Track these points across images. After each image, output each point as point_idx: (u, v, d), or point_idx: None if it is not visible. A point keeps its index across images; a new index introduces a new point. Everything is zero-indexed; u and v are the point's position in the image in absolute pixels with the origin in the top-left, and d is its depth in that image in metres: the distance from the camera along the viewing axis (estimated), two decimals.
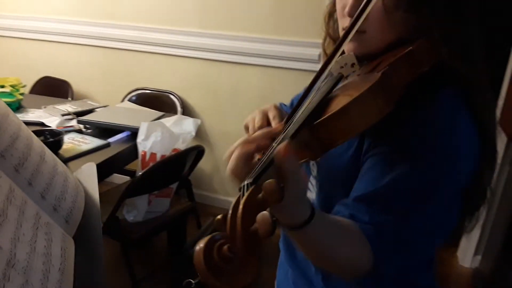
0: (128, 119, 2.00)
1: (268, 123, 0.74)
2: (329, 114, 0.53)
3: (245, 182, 0.44)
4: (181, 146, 1.93)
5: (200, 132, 2.66)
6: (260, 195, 0.41)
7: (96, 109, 2.16)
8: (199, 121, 2.06)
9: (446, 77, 0.64)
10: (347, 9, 0.67)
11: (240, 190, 0.44)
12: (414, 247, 0.65)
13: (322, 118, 0.54)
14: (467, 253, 2.33)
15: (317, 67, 2.56)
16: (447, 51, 0.61)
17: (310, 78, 2.54)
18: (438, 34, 0.61)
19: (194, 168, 2.10)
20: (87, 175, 0.81)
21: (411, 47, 0.59)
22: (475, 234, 2.27)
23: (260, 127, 0.73)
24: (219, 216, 0.43)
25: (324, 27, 0.83)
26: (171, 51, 2.66)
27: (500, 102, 1.96)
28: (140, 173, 1.76)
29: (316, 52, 2.29)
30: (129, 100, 2.71)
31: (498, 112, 1.93)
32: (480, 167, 0.66)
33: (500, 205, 2.05)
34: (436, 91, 0.64)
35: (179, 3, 2.54)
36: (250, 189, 0.42)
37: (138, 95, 2.77)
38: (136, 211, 1.90)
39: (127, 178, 2.49)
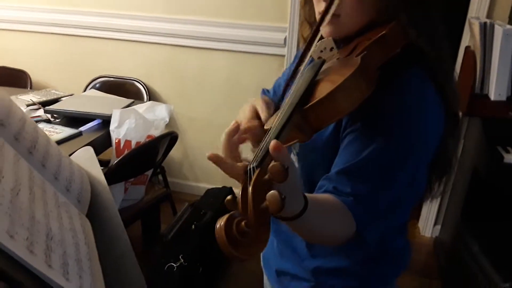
0: (98, 107, 1.97)
1: (258, 116, 0.79)
2: (318, 99, 0.58)
3: (250, 166, 0.49)
4: (155, 132, 1.93)
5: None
6: (266, 176, 0.45)
7: (61, 98, 2.10)
8: (172, 107, 2.06)
9: (412, 56, 0.70)
10: None
11: (246, 174, 0.49)
12: (391, 213, 0.72)
13: (312, 103, 0.59)
14: (428, 224, 2.51)
15: (283, 51, 2.62)
16: (415, 32, 0.68)
17: (276, 62, 2.63)
18: (406, 17, 0.67)
19: (168, 155, 2.11)
20: (86, 158, 0.82)
21: (384, 31, 0.65)
22: (434, 205, 2.44)
23: (250, 121, 0.78)
24: (229, 197, 0.48)
25: (301, 12, 0.87)
26: (135, 37, 2.62)
27: None
28: (115, 161, 1.75)
29: (281, 36, 2.34)
30: (93, 88, 2.65)
31: None
32: (445, 136, 0.74)
33: (456, 177, 2.21)
34: (405, 70, 0.70)
35: None
36: (257, 171, 0.46)
37: (102, 83, 2.71)
38: None
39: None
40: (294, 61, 1.05)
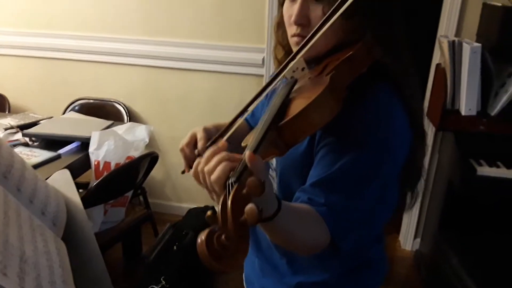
0: (76, 129, 1.97)
1: (195, 142, 0.87)
2: (291, 116, 0.62)
3: (229, 181, 0.51)
4: (135, 153, 1.93)
5: (149, 139, 2.65)
6: (244, 191, 0.48)
7: (40, 121, 2.09)
8: (151, 127, 2.07)
9: (379, 73, 0.74)
10: (293, 18, 0.77)
11: (225, 188, 0.51)
12: (365, 223, 0.75)
13: (285, 120, 0.62)
14: (408, 237, 2.54)
15: (262, 71, 2.66)
16: (381, 50, 0.72)
17: (255, 81, 2.67)
18: (372, 37, 0.72)
19: (148, 175, 2.10)
20: (62, 181, 0.83)
21: (351, 52, 0.70)
22: (414, 219, 2.48)
23: (187, 144, 0.88)
24: (208, 212, 0.50)
25: (274, 36, 0.92)
26: (114, 59, 2.63)
27: (427, 97, 2.18)
28: (94, 183, 1.74)
29: (259, 56, 2.39)
30: (72, 110, 2.64)
31: (426, 106, 2.15)
32: (412, 148, 0.78)
33: (433, 190, 2.26)
34: (372, 86, 0.74)
35: (119, 10, 2.52)
36: (235, 186, 0.49)
37: (81, 105, 2.70)
38: (91, 222, 1.86)
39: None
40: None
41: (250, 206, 0.45)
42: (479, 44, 1.77)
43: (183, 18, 2.45)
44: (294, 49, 0.77)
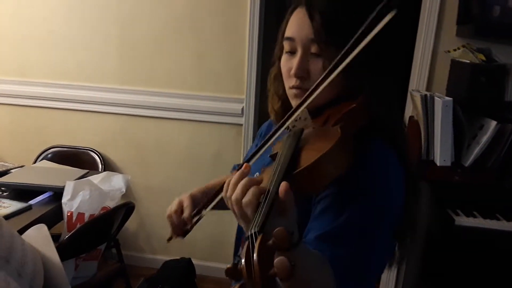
0: (49, 179, 1.90)
1: (181, 210, 0.92)
2: (306, 165, 0.61)
3: (252, 231, 0.48)
4: (111, 204, 1.86)
5: None
6: (270, 241, 0.44)
7: (11, 170, 2.01)
8: (129, 177, 2.02)
9: (375, 126, 0.77)
10: (293, 71, 0.79)
11: (247, 239, 0.48)
12: (368, 273, 0.75)
13: (301, 168, 0.62)
14: (388, 287, 2.51)
15: (241, 120, 2.70)
16: (377, 105, 0.74)
17: (234, 130, 2.70)
18: (369, 91, 0.74)
19: (123, 226, 2.02)
20: (39, 237, 0.78)
21: (354, 105, 0.72)
22: (394, 269, 2.46)
23: (175, 212, 0.91)
24: (229, 265, 0.46)
25: (270, 87, 0.94)
26: (89, 107, 2.60)
27: None
28: (66, 236, 1.66)
29: (239, 106, 2.41)
30: (44, 159, 2.55)
31: None
32: (406, 199, 0.79)
33: (412, 240, 2.26)
34: (369, 139, 0.76)
35: (96, 58, 2.54)
36: (259, 237, 0.45)
37: (54, 154, 2.62)
38: None
39: None
40: (259, 136, 1.11)
41: (281, 260, 0.42)
42: (451, 98, 1.85)
43: (162, 68, 2.48)
44: (292, 101, 0.79)
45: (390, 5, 0.62)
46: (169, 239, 0.99)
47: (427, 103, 1.93)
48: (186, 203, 0.91)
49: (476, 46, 2.01)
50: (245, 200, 0.58)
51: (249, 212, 0.57)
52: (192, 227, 0.95)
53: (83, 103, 2.59)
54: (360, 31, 0.66)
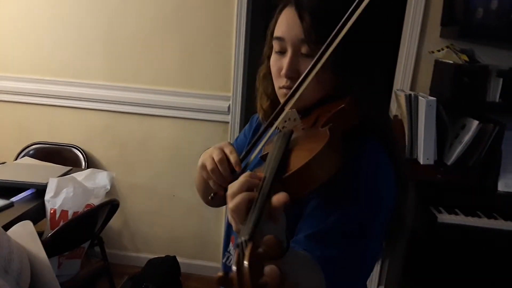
0: (31, 176, 1.86)
1: (226, 157, 0.80)
2: (296, 168, 0.61)
3: (241, 239, 0.47)
4: (95, 201, 1.84)
5: None
6: (260, 249, 0.44)
7: None
8: (113, 174, 2.00)
9: (366, 126, 0.77)
10: (284, 71, 0.79)
11: (236, 247, 0.47)
12: (359, 273, 0.75)
13: (291, 172, 0.61)
14: (371, 284, 2.54)
15: (227, 118, 2.68)
16: (367, 105, 0.75)
17: (221, 128, 2.68)
18: (358, 91, 0.75)
19: (107, 224, 2.00)
20: (25, 234, 0.77)
21: (343, 105, 0.72)
22: (377, 266, 2.49)
23: (220, 161, 0.79)
24: (220, 273, 0.45)
25: (259, 86, 0.93)
26: (72, 103, 2.56)
27: None
28: (49, 234, 1.63)
29: (225, 104, 2.41)
30: (26, 155, 2.50)
31: None
32: (397, 199, 0.80)
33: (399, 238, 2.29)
34: (361, 139, 0.77)
35: (81, 54, 2.50)
36: (249, 245, 0.45)
37: (36, 150, 2.58)
38: None
39: None
40: (246, 132, 1.09)
41: (271, 268, 0.42)
42: (434, 98, 1.89)
43: (148, 65, 2.46)
44: (282, 100, 0.79)
45: None
46: (213, 196, 0.86)
47: (411, 103, 1.96)
48: (229, 149, 0.81)
49: (460, 47, 2.05)
50: (234, 203, 0.56)
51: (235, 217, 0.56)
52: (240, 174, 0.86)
53: (67, 99, 2.55)
54: (342, 20, 0.67)
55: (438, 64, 2.11)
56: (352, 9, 0.66)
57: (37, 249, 0.71)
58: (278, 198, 0.53)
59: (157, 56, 2.43)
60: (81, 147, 2.59)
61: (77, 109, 2.57)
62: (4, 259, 0.61)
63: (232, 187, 0.60)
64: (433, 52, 2.10)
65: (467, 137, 1.91)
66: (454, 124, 2.00)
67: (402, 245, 2.11)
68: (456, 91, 1.93)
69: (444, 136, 1.97)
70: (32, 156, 2.48)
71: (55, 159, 2.36)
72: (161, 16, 2.38)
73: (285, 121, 0.75)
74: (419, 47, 2.17)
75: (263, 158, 0.79)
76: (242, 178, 0.60)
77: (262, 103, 0.94)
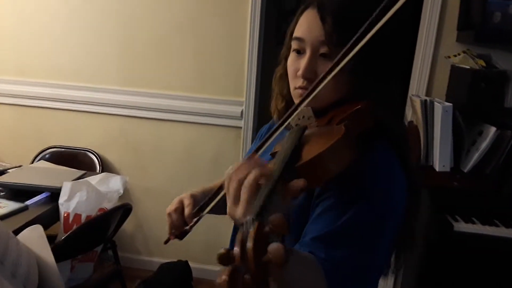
0: (46, 179, 1.88)
1: (182, 208, 0.91)
2: (309, 158, 0.61)
3: (248, 218, 0.46)
4: (108, 205, 1.85)
5: None
6: (267, 228, 0.44)
7: (8, 170, 2.00)
8: (127, 178, 2.01)
9: (380, 131, 0.76)
10: (301, 71, 0.79)
11: (242, 226, 0.47)
12: (364, 277, 0.73)
13: (303, 161, 0.61)
14: None
15: (240, 123, 2.68)
16: (382, 109, 0.74)
17: (233, 133, 2.68)
18: (374, 95, 0.73)
19: (120, 228, 2.01)
20: (34, 238, 0.77)
21: (359, 106, 0.71)
22: (391, 276, 2.45)
23: (175, 210, 0.90)
24: (222, 250, 0.44)
25: (274, 86, 0.93)
26: (88, 108, 2.59)
27: None
28: (63, 237, 1.65)
29: (238, 109, 2.41)
30: (43, 159, 2.54)
31: None
32: (407, 209, 0.78)
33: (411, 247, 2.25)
34: (374, 142, 0.75)
35: (97, 59, 2.53)
36: (257, 223, 0.44)
37: (52, 154, 2.61)
38: None
39: None
40: (259, 137, 1.09)
41: (276, 244, 0.41)
42: (451, 104, 1.85)
43: (162, 70, 2.48)
44: (297, 101, 0.78)
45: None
46: (167, 241, 0.97)
47: (427, 108, 1.93)
48: (187, 202, 0.90)
49: (477, 52, 2.01)
50: (247, 179, 0.56)
51: (246, 195, 0.55)
52: (191, 227, 0.93)
53: (83, 103, 2.58)
54: (367, 24, 0.66)
55: (454, 69, 2.08)
56: (378, 14, 0.65)
57: (46, 253, 0.71)
58: (297, 182, 0.53)
59: (171, 61, 2.45)
60: (96, 151, 2.62)
61: (92, 113, 2.60)
62: (12, 263, 0.62)
63: (242, 166, 0.59)
64: (449, 57, 2.06)
65: (484, 144, 1.87)
66: (471, 131, 1.96)
67: (417, 254, 2.07)
68: (473, 96, 1.89)
69: (460, 143, 1.93)
70: (48, 160, 2.52)
71: (70, 163, 2.39)
72: (176, 22, 2.39)
73: (299, 119, 0.75)
74: (435, 52, 2.14)
75: (273, 156, 0.79)
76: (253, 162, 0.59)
77: (277, 103, 0.94)
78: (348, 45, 0.68)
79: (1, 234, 0.63)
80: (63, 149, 2.64)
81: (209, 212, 0.94)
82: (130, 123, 2.58)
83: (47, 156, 2.58)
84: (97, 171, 2.53)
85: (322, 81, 0.71)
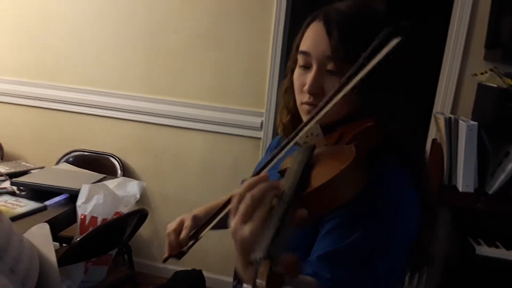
0: (66, 181, 1.92)
1: (181, 230, 0.91)
2: (319, 184, 0.58)
3: (257, 257, 0.45)
4: (124, 209, 1.87)
5: (140, 195, 2.60)
6: (277, 268, 0.43)
7: (31, 171, 2.05)
8: (144, 184, 2.03)
9: (391, 147, 0.74)
10: (307, 87, 0.77)
11: (251, 264, 0.46)
12: None
13: (313, 188, 0.58)
14: None
15: (260, 134, 2.67)
16: (391, 123, 0.71)
17: (252, 143, 2.66)
18: (382, 108, 0.71)
19: (135, 233, 2.02)
20: (40, 236, 0.78)
21: (370, 123, 0.68)
22: None
23: (174, 230, 0.91)
24: None
25: (280, 100, 0.92)
26: (112, 114, 2.65)
27: None
28: (78, 239, 1.67)
29: (258, 120, 2.41)
30: (66, 162, 2.60)
31: None
32: (421, 228, 0.75)
33: (429, 268, 2.17)
34: (384, 156, 0.73)
35: (122, 67, 2.58)
36: (265, 263, 0.44)
37: (75, 157, 2.67)
38: (70, 281, 1.76)
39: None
40: (269, 150, 1.08)
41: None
42: (476, 123, 1.79)
43: (184, 79, 2.51)
44: (303, 116, 0.77)
45: (396, 33, 0.59)
46: (165, 259, 0.96)
47: (451, 126, 1.87)
48: (187, 223, 0.90)
49: (504, 70, 1.95)
50: (264, 199, 0.55)
51: (261, 214, 0.53)
52: (188, 249, 0.93)
53: (107, 109, 2.64)
54: (376, 42, 0.63)
55: (481, 88, 2.01)
56: (388, 35, 0.60)
57: (49, 252, 0.71)
58: (301, 211, 0.52)
59: (193, 70, 2.48)
60: (118, 156, 2.67)
61: (115, 119, 2.65)
62: (13, 258, 0.62)
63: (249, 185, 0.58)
64: (476, 75, 2.00)
65: (511, 165, 1.80)
66: (497, 151, 1.88)
67: (436, 276, 1.99)
68: (500, 116, 1.82)
69: (485, 163, 1.85)
70: (71, 162, 2.57)
71: (92, 167, 2.44)
72: (200, 33, 2.43)
73: (307, 136, 0.72)
74: (461, 70, 2.08)
75: (281, 173, 0.77)
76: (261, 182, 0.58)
77: (282, 117, 0.92)
78: (358, 65, 0.64)
79: (4, 230, 0.64)
80: (86, 153, 2.70)
81: (213, 229, 0.93)
82: (152, 130, 2.61)
83: (70, 159, 2.64)
84: (119, 175, 2.57)
85: (329, 101, 0.69)
